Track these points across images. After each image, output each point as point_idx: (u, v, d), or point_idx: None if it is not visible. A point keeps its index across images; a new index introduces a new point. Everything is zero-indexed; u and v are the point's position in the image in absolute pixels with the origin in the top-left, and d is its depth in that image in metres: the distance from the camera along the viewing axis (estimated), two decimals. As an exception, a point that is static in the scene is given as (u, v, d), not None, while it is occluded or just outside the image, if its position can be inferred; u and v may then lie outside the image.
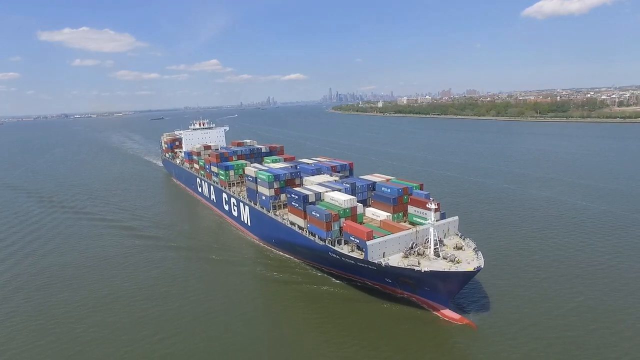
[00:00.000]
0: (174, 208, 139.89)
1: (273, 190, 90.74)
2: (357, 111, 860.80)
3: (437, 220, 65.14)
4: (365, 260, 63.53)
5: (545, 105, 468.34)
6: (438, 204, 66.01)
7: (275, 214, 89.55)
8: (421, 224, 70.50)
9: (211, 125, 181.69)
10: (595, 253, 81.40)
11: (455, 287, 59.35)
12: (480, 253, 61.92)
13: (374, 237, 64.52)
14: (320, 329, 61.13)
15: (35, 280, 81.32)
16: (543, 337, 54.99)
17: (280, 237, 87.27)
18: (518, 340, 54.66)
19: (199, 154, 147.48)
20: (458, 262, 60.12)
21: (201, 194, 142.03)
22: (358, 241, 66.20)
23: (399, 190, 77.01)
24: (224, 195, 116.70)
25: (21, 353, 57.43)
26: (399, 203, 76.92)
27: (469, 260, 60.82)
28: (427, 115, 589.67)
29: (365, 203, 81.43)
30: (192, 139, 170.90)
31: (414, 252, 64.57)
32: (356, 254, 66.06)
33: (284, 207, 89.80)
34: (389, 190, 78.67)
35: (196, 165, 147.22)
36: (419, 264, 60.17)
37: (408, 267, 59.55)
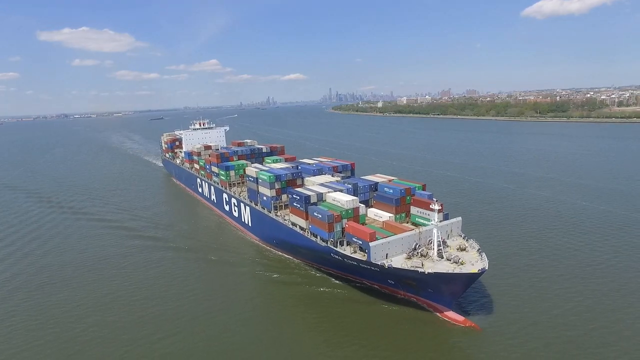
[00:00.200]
0: (174, 208, 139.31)
1: (274, 190, 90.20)
2: (356, 111, 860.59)
3: (440, 221, 64.63)
4: (368, 262, 63.00)
5: (545, 105, 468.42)
6: (441, 205, 65.47)
7: (276, 215, 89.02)
8: (424, 224, 69.98)
9: (211, 125, 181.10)
10: (595, 253, 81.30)
11: (459, 289, 58.86)
12: (484, 254, 61.38)
13: (376, 238, 64.02)
14: (319, 329, 60.82)
15: (34, 279, 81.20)
16: (553, 342, 54.37)
17: (281, 238, 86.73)
18: (520, 341, 54.17)
19: (199, 154, 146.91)
20: (462, 264, 59.62)
21: (201, 194, 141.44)
22: (361, 242, 65.70)
23: (401, 191, 76.46)
24: (225, 195, 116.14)
25: (21, 352, 57.37)
26: (401, 204, 76.35)
27: (473, 261, 60.31)
28: (427, 116, 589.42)
29: (367, 204, 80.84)
30: (193, 139, 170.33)
31: (417, 253, 64.08)
32: (359, 256, 65.58)
33: (285, 208, 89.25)
34: (391, 191, 78.13)
35: (196, 166, 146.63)
36: (422, 265, 59.63)
37: (412, 268, 59.00)
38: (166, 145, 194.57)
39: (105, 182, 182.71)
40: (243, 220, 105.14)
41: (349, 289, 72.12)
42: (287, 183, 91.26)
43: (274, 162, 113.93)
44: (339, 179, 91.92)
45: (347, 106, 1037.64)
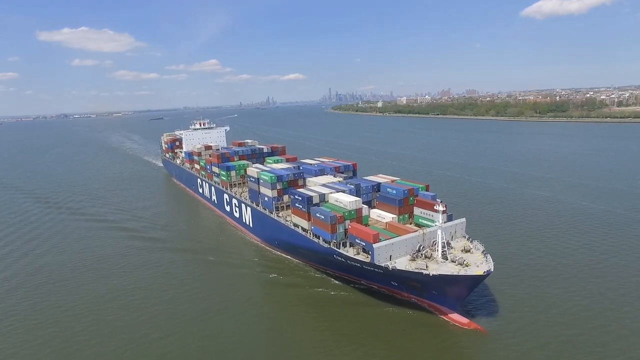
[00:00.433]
0: (174, 209, 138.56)
1: (276, 191, 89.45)
2: (356, 111, 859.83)
3: (444, 223, 64.00)
4: (371, 264, 62.35)
5: (544, 105, 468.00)
6: (445, 206, 64.84)
7: (278, 216, 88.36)
8: (427, 225, 69.40)
9: (212, 125, 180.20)
10: (594, 252, 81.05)
11: (464, 291, 58.22)
12: (489, 256, 60.81)
13: (380, 240, 63.38)
14: (319, 330, 60.36)
15: (33, 279, 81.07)
16: (555, 342, 53.86)
17: (283, 239, 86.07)
18: (527, 343, 53.50)
19: (199, 154, 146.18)
20: (467, 266, 58.97)
21: (202, 194, 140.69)
22: (364, 244, 65.04)
23: (404, 192, 75.83)
24: (226, 196, 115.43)
25: (20, 352, 57.29)
26: (404, 204, 75.71)
27: (478, 263, 59.69)
28: (427, 116, 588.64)
29: (370, 204, 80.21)
30: (193, 139, 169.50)
31: (422, 255, 63.43)
32: (362, 257, 64.96)
33: (286, 209, 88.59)
34: (394, 192, 77.50)
35: (197, 166, 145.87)
36: (427, 267, 58.96)
37: (416, 270, 58.37)
38: (166, 146, 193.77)
39: (104, 182, 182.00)
40: (244, 221, 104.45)
41: (350, 290, 71.57)
42: (289, 184, 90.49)
43: (275, 163, 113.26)
44: (341, 179, 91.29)
45: (347, 106, 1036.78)
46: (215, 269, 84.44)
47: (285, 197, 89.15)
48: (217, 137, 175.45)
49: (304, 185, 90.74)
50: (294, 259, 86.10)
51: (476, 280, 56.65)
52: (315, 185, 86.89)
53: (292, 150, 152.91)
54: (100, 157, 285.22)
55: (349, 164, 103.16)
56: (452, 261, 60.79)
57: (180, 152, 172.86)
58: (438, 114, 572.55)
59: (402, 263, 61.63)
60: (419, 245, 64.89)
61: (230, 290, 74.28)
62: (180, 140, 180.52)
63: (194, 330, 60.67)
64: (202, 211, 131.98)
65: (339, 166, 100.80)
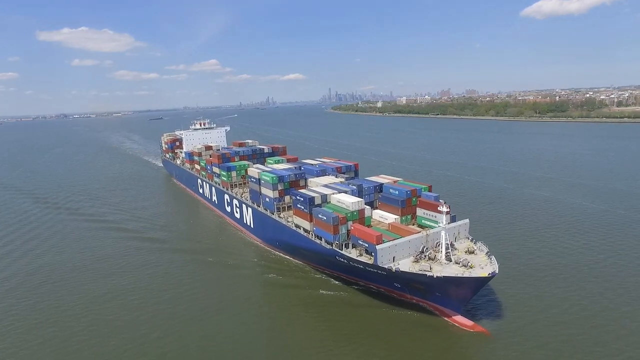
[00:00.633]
0: (174, 209, 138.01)
1: (277, 192, 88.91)
2: (356, 111, 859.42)
3: (448, 224, 63.58)
4: (374, 265, 61.84)
5: (544, 105, 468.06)
6: (449, 207, 64.33)
7: (279, 216, 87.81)
8: (430, 226, 68.87)
9: (212, 126, 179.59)
10: (593, 252, 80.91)
11: (468, 293, 57.72)
12: (493, 257, 60.33)
13: (383, 241, 62.88)
14: (319, 330, 60.06)
15: (32, 279, 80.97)
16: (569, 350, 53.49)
17: (284, 240, 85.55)
18: (533, 345, 53.04)
19: (200, 154, 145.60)
20: (471, 267, 58.44)
21: (202, 195, 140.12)
22: (367, 245, 64.50)
23: (407, 192, 75.32)
24: (226, 196, 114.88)
25: (20, 351, 57.17)
26: (407, 205, 75.19)
27: (482, 265, 59.17)
28: (427, 116, 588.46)
29: (372, 205, 79.54)
30: (193, 139, 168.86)
31: (425, 256, 62.91)
32: (365, 259, 64.45)
33: (288, 209, 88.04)
34: (397, 192, 76.98)
35: (197, 166, 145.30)
36: (430, 269, 58.48)
37: (420, 272, 57.86)
38: (166, 146, 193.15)
39: (104, 183, 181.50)
40: (245, 221, 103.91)
41: (350, 290, 71.18)
42: (290, 184, 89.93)
43: (276, 163, 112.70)
44: (342, 180, 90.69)
45: (347, 106, 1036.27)
46: (214, 269, 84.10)
47: (287, 198, 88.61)
48: (217, 137, 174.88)
49: (305, 186, 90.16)
50: (293, 260, 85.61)
51: (481, 282, 56.17)
52: (317, 185, 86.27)
53: (293, 150, 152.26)
54: (100, 157, 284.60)
55: (351, 164, 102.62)
56: (456, 263, 60.24)
57: (181, 152, 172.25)
58: (438, 114, 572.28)
59: (406, 264, 61.13)
60: (422, 246, 64.40)
61: (229, 290, 74.06)
62: (180, 140, 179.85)
63: (193, 330, 60.57)
64: (202, 211, 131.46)
65: (341, 167, 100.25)
